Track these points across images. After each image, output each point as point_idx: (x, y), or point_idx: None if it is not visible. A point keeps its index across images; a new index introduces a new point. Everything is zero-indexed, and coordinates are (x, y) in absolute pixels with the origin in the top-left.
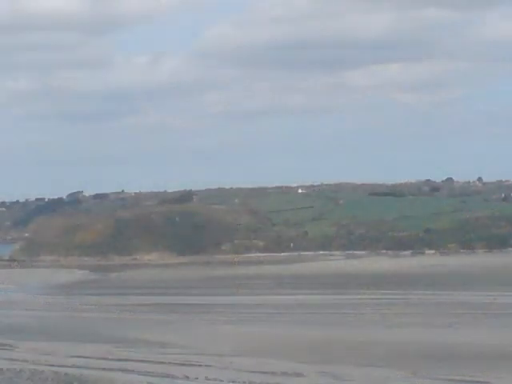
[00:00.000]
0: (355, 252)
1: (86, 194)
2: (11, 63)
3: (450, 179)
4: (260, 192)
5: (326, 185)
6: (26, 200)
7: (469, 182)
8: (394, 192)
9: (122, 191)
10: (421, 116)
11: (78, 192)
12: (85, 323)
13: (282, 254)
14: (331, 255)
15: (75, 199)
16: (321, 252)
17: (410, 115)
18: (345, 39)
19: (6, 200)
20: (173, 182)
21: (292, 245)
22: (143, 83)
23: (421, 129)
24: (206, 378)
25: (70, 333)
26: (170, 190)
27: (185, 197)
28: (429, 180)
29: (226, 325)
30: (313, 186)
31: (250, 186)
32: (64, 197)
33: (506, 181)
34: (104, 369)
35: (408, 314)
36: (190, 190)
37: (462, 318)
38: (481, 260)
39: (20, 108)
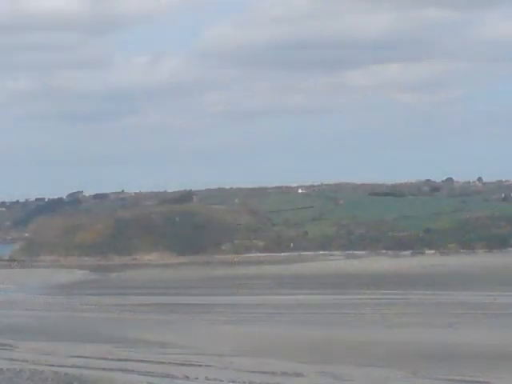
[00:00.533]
0: (355, 252)
1: (86, 193)
2: (11, 63)
3: (450, 179)
4: (260, 192)
5: (326, 185)
6: (26, 200)
7: (469, 181)
8: (394, 192)
9: (122, 191)
10: (421, 116)
11: (78, 192)
12: (85, 323)
13: (282, 254)
14: (331, 255)
15: (75, 199)
16: (321, 252)
17: (410, 115)
18: (345, 39)
19: (6, 200)
20: (173, 182)
21: (292, 245)
22: (143, 83)
23: (421, 129)
24: (206, 378)
25: (70, 333)
26: (170, 190)
27: (185, 197)
28: (429, 180)
29: (225, 325)
30: (313, 185)
31: (250, 185)
32: (64, 197)
33: (506, 181)
34: (104, 369)
35: (408, 313)
36: (190, 190)
37: (462, 317)
38: (481, 260)
39: (20, 108)
